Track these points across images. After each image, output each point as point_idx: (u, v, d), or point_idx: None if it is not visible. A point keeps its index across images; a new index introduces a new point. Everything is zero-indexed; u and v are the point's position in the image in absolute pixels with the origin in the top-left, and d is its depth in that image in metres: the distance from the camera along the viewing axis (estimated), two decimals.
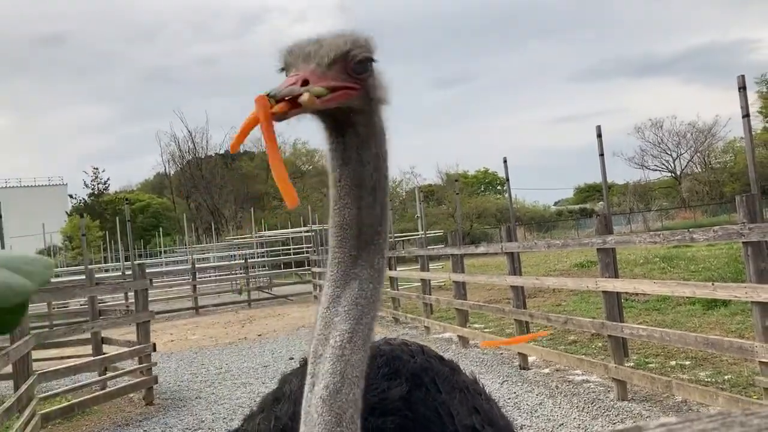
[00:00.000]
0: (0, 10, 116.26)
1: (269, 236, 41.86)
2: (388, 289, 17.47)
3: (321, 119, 1.27)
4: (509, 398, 8.11)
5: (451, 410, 1.43)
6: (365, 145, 1.27)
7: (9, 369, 7.52)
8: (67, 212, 64.99)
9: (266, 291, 28.05)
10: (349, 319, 1.19)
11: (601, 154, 10.11)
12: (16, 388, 7.51)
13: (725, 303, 11.53)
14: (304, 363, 1.69)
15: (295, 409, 1.45)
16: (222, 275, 31.57)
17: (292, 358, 12.15)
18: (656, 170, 65.27)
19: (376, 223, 1.28)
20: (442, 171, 69.50)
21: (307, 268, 29.78)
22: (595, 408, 7.35)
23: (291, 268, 33.54)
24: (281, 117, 1.13)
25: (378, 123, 1.30)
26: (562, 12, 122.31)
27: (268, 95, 1.12)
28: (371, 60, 1.26)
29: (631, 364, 8.74)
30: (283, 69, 1.26)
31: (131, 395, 9.97)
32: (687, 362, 8.87)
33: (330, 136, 1.29)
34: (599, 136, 10.02)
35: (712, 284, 6.44)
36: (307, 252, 31.95)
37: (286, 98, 1.12)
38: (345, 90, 1.21)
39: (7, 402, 6.76)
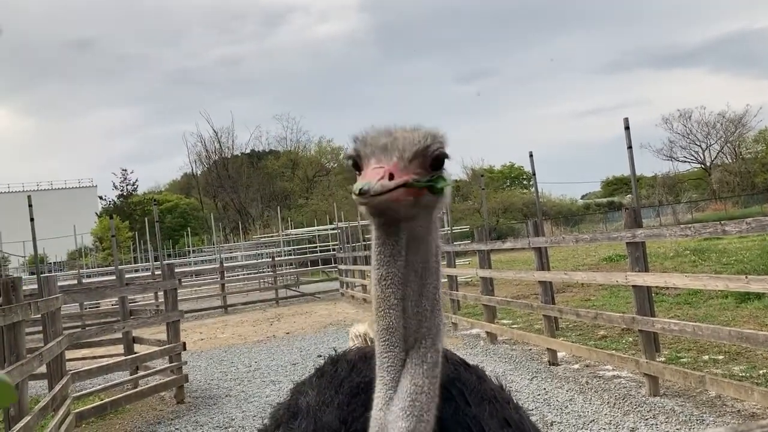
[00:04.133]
0: (30, 15, 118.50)
1: (296, 234, 42.11)
2: None
3: (380, 215, 1.18)
4: (539, 394, 8.03)
5: (482, 424, 1.39)
6: (419, 241, 1.21)
7: (43, 369, 7.65)
8: (97, 213, 65.98)
9: (294, 289, 28.20)
10: (407, 416, 1.12)
11: (630, 147, 9.95)
12: (51, 387, 7.66)
13: (759, 296, 11.30)
14: (318, 371, 1.65)
15: (315, 427, 1.41)
16: (250, 274, 31.80)
17: (320, 356, 12.17)
18: (685, 161, 64.35)
19: (425, 319, 1.20)
20: (467, 166, 69.28)
21: (333, 265, 29.88)
22: (626, 404, 7.25)
23: (318, 265, 33.65)
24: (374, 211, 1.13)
25: (437, 218, 1.25)
26: (585, 4, 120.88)
27: (360, 191, 1.07)
28: (446, 156, 1.21)
29: (663, 359, 8.61)
30: (350, 158, 1.21)
31: (162, 394, 10.09)
32: (720, 357, 8.71)
33: (383, 233, 1.20)
34: (627, 128, 9.86)
35: (746, 277, 6.31)
36: (334, 249, 32.07)
37: (375, 194, 1.07)
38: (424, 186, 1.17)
39: (42, 401, 6.88)
